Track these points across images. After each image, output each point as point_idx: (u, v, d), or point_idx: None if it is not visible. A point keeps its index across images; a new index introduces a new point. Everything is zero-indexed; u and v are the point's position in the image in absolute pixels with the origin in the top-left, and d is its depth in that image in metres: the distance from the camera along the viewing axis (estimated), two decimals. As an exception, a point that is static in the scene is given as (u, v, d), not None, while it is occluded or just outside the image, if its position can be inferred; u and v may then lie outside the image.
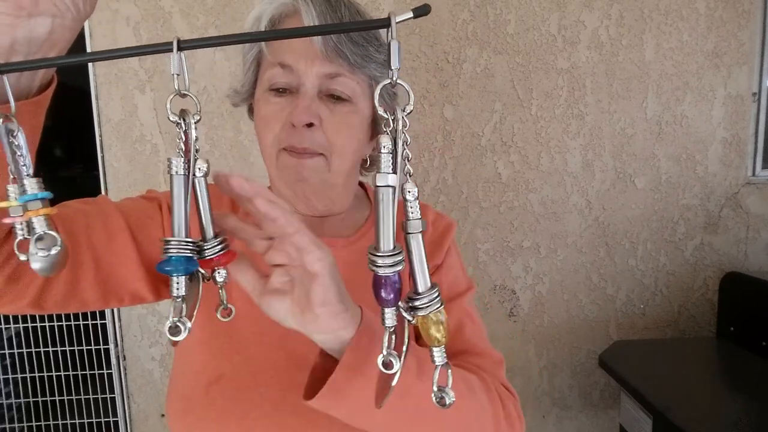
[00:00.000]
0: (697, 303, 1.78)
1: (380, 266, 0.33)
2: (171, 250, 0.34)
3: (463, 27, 1.60)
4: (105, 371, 1.67)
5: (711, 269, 1.77)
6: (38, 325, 1.65)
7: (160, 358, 1.68)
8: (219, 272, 0.39)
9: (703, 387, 1.29)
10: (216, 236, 0.37)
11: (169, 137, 1.58)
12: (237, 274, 0.41)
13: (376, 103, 0.33)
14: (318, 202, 0.59)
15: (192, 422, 0.54)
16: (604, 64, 1.65)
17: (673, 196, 1.73)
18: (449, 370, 0.35)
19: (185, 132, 0.34)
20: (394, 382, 0.35)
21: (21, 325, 1.66)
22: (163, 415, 1.72)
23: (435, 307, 0.34)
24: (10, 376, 1.76)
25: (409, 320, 0.35)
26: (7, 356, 1.75)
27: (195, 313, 0.37)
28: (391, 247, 0.33)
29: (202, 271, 0.38)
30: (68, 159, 3.29)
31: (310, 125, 0.52)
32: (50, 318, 1.65)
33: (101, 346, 1.65)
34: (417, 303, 0.34)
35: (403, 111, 0.33)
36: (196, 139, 0.34)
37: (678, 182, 1.72)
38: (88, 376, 1.68)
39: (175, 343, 0.35)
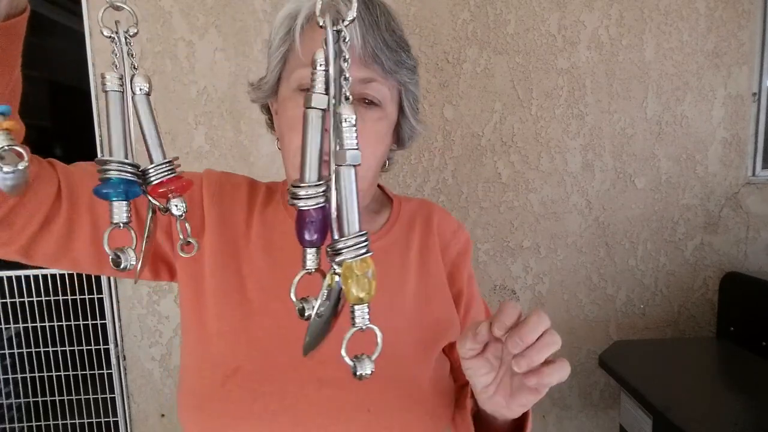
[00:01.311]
0: (697, 303, 1.78)
1: (301, 198, 0.29)
2: (110, 172, 0.30)
3: (463, 27, 1.60)
4: (105, 371, 1.67)
5: (711, 269, 1.77)
6: (38, 325, 1.65)
7: (160, 358, 1.68)
8: (176, 204, 0.34)
9: (703, 387, 1.29)
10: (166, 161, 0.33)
11: (169, 137, 1.58)
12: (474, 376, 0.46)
13: (318, 12, 0.29)
14: None
15: (207, 418, 0.53)
16: (604, 64, 1.65)
17: (673, 196, 1.73)
18: (378, 335, 0.31)
19: (121, 47, 0.31)
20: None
21: (21, 325, 1.66)
22: (163, 415, 1.72)
23: (360, 253, 0.29)
24: (10, 376, 1.76)
25: (334, 269, 0.31)
26: (7, 356, 1.75)
27: (144, 249, 0.34)
28: (316, 178, 0.30)
29: (155, 202, 0.34)
30: (68, 159, 3.28)
31: None
32: (50, 318, 1.65)
33: (101, 346, 1.65)
34: (340, 246, 0.29)
35: (342, 22, 0.29)
36: (133, 55, 0.31)
37: (678, 182, 1.72)
38: (88, 376, 1.68)
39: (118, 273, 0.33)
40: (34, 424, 1.73)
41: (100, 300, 1.64)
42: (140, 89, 0.31)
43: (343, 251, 0.29)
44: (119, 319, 1.66)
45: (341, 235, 0.30)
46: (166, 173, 0.32)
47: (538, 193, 1.69)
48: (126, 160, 0.31)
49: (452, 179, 1.67)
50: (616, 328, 1.78)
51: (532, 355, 0.40)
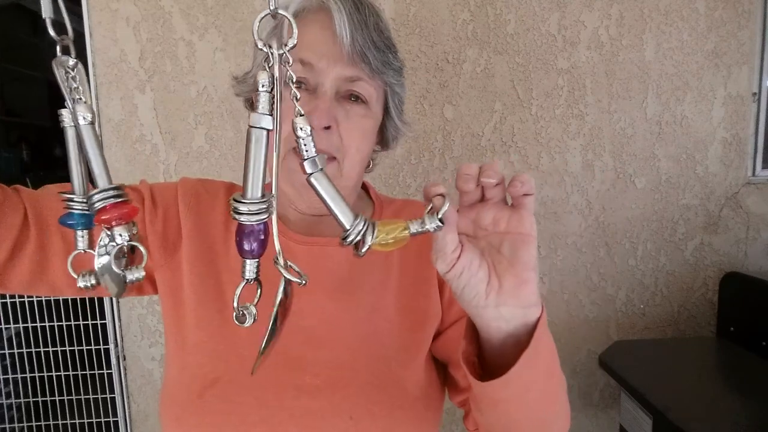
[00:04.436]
0: (697, 303, 1.78)
1: (243, 213, 0.30)
2: (75, 206, 0.34)
3: (463, 27, 1.60)
4: (105, 371, 1.67)
5: (711, 269, 1.77)
6: (38, 325, 1.65)
7: (160, 358, 1.68)
8: (119, 233, 0.32)
9: (703, 387, 1.29)
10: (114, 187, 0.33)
11: (169, 137, 1.58)
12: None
13: (255, 36, 0.30)
14: (322, 204, 0.59)
15: (187, 429, 0.52)
16: (604, 64, 1.65)
17: (673, 196, 1.73)
18: (450, 207, 0.35)
19: (68, 80, 0.32)
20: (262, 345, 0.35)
21: (21, 325, 1.66)
22: (163, 415, 1.72)
23: (373, 232, 0.34)
24: (10, 376, 1.76)
25: (289, 277, 0.33)
26: (7, 356, 1.75)
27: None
28: (259, 195, 0.31)
29: (108, 232, 0.33)
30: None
31: (327, 128, 0.51)
32: (50, 318, 1.65)
33: (101, 346, 1.65)
34: (349, 239, 0.33)
35: (285, 46, 0.31)
36: (75, 88, 0.33)
37: (678, 182, 1.72)
38: (88, 376, 1.68)
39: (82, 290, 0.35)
40: (34, 424, 1.73)
41: (100, 300, 1.64)
42: (84, 119, 0.32)
43: (365, 238, 0.33)
44: (119, 319, 1.66)
45: (344, 229, 0.34)
46: (109, 199, 0.32)
47: (538, 193, 1.69)
48: (85, 198, 0.33)
49: (452, 179, 1.66)
50: (616, 328, 1.78)
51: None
